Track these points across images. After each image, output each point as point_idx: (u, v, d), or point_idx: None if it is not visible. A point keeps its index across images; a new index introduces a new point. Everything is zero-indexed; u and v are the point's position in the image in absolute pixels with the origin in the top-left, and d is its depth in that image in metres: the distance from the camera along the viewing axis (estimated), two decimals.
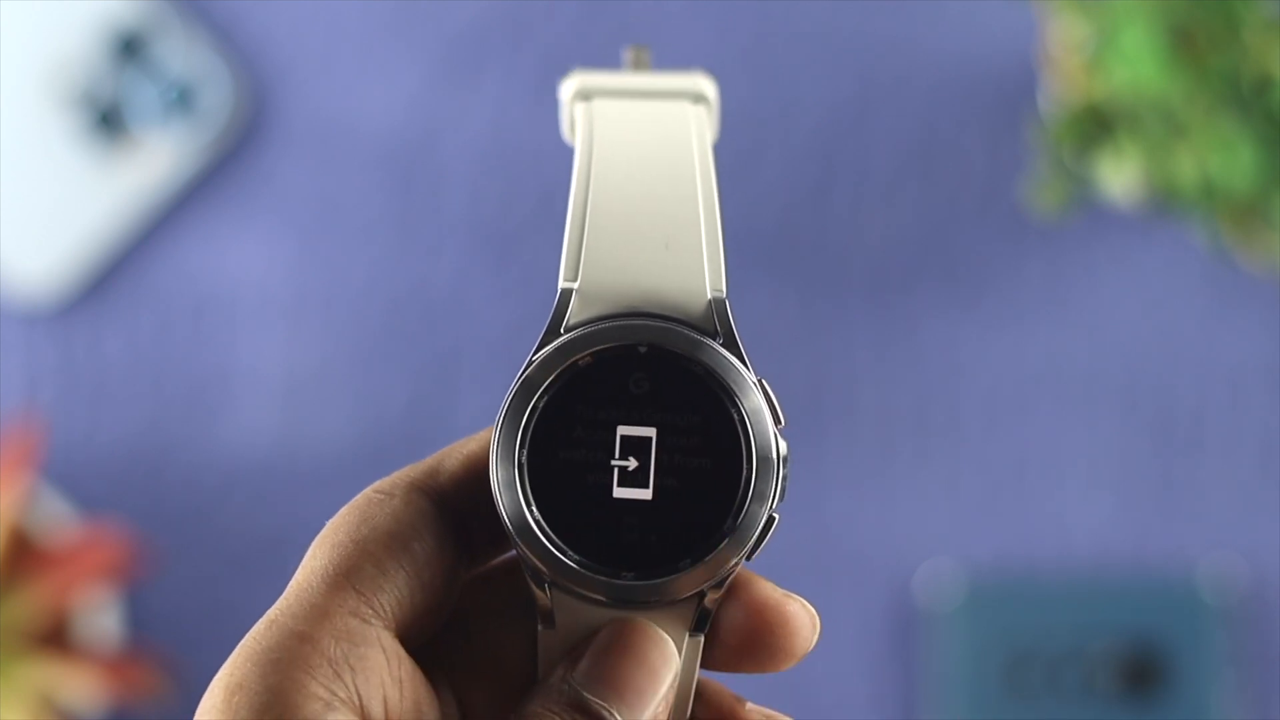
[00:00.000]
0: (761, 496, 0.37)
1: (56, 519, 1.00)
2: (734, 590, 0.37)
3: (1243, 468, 1.03)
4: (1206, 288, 1.04)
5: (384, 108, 1.06)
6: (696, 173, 0.39)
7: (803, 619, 0.38)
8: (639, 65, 0.44)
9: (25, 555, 0.96)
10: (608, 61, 1.16)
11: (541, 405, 0.37)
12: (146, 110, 1.05)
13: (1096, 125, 0.96)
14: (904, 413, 1.04)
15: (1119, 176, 0.96)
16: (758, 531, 0.37)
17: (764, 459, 0.37)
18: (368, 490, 0.38)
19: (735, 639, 0.38)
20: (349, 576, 0.36)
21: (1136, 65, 0.93)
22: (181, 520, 1.04)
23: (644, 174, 0.39)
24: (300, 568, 0.37)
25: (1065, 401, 1.04)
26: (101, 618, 1.00)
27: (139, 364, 1.05)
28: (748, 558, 0.37)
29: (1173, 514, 1.03)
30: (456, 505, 0.38)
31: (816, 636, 0.38)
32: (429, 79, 1.06)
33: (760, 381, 0.37)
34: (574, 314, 0.37)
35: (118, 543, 0.97)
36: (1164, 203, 0.97)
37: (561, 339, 0.37)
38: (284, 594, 0.37)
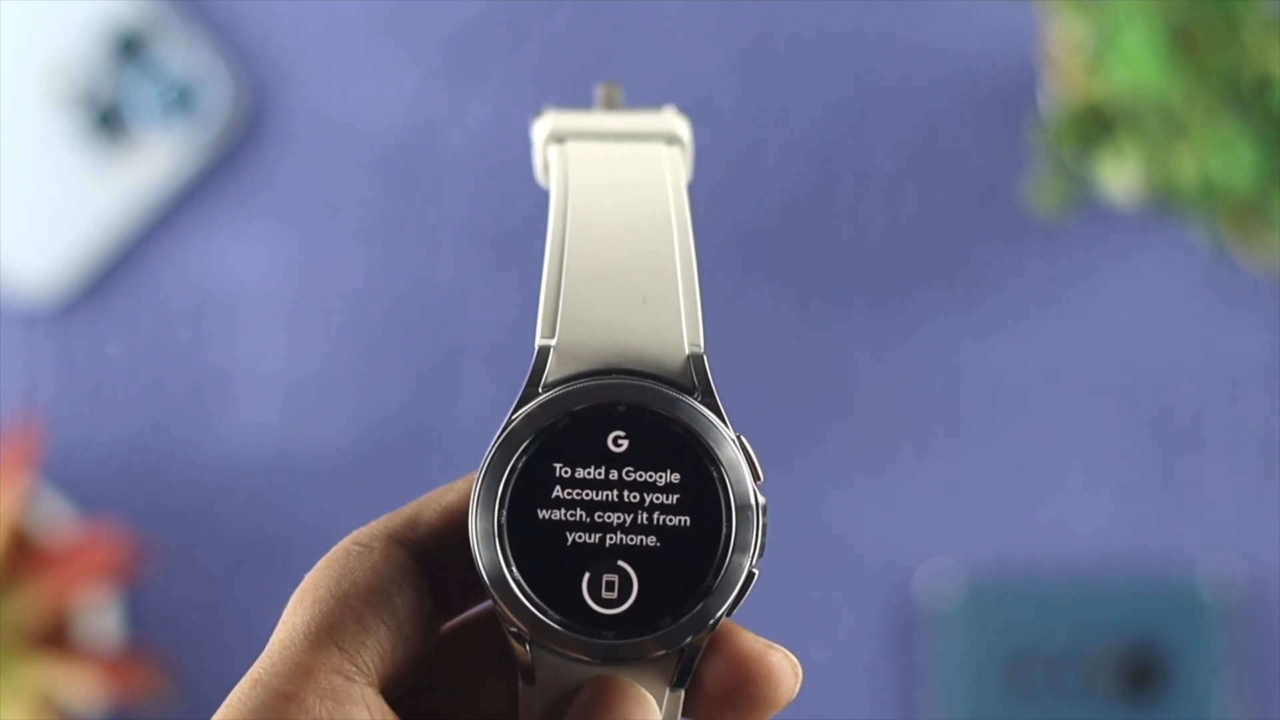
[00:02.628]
0: (742, 551, 0.37)
1: (56, 519, 1.00)
2: (715, 642, 0.38)
3: (1243, 468, 1.03)
4: (1206, 288, 1.04)
5: (384, 108, 1.06)
6: (673, 222, 0.39)
7: (785, 669, 0.38)
8: (611, 103, 0.44)
9: (25, 555, 0.96)
10: (606, 62, 1.15)
11: (521, 465, 0.37)
12: (146, 110, 1.05)
13: (1096, 125, 0.96)
14: (904, 413, 1.04)
15: (1119, 176, 0.96)
16: (738, 588, 0.37)
17: (744, 516, 0.37)
18: (345, 542, 0.38)
19: (717, 691, 0.38)
20: (331, 633, 0.36)
21: (1136, 65, 0.93)
22: (181, 520, 1.04)
23: (620, 225, 0.39)
24: (281, 624, 0.37)
25: (1065, 401, 1.04)
26: (101, 618, 1.00)
27: (139, 364, 1.05)
28: (729, 613, 0.37)
29: (1173, 514, 1.03)
30: (434, 556, 0.38)
31: (798, 685, 0.38)
32: (429, 79, 1.06)
33: (739, 438, 0.38)
34: (552, 371, 0.38)
35: (118, 543, 0.97)
36: (1164, 203, 0.97)
37: (541, 398, 0.37)
38: (265, 651, 0.37)
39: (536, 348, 0.38)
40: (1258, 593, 1.02)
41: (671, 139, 0.42)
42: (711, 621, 0.37)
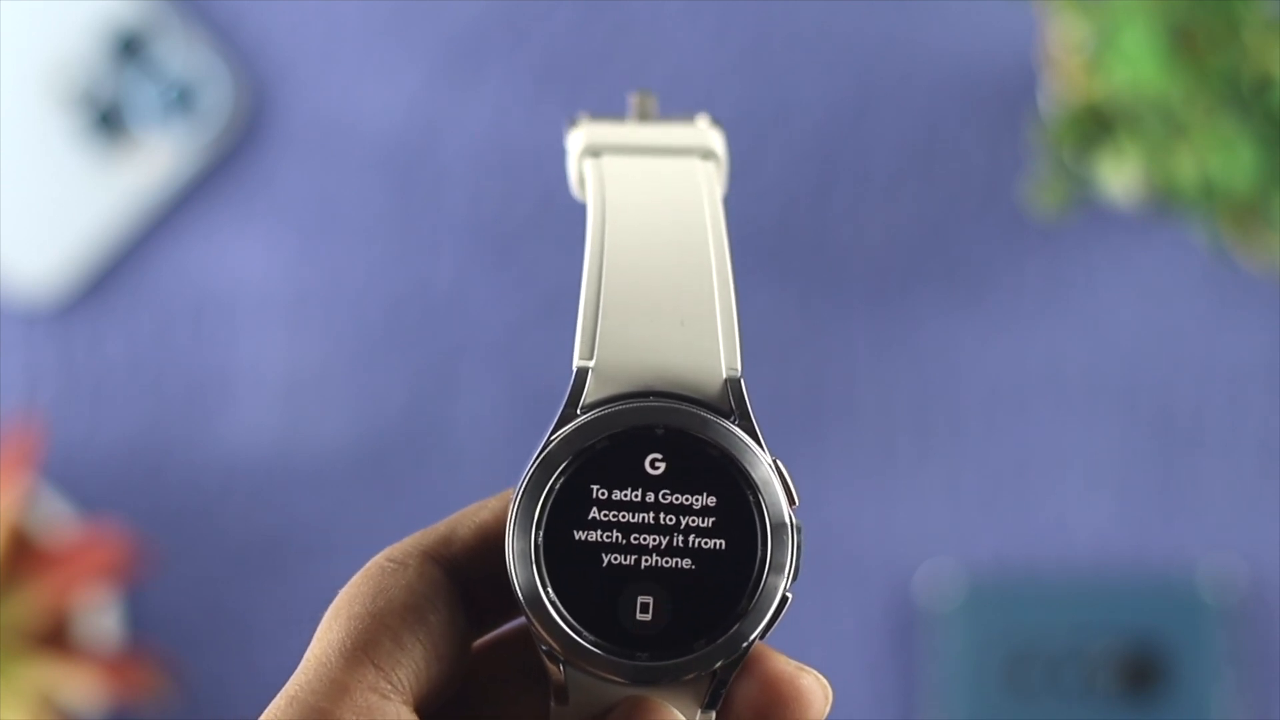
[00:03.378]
0: (776, 575, 0.37)
1: (56, 519, 1.00)
2: (747, 664, 0.38)
3: (1243, 468, 1.03)
4: (1206, 288, 1.04)
5: (384, 108, 1.06)
6: (710, 242, 0.39)
7: (815, 692, 0.37)
8: (645, 113, 0.44)
9: (25, 555, 0.96)
10: (606, 63, 1.15)
11: (558, 486, 0.37)
12: (146, 110, 1.05)
13: (1096, 125, 0.96)
14: (904, 413, 1.04)
15: (1119, 176, 0.96)
16: (771, 611, 0.37)
17: (779, 540, 0.37)
18: (379, 558, 0.38)
19: (749, 713, 0.38)
20: (367, 650, 0.36)
21: (1136, 65, 0.93)
22: (181, 520, 1.04)
23: (658, 245, 0.39)
24: (315, 640, 0.37)
25: (1065, 401, 1.04)
26: (101, 618, 1.00)
27: (139, 364, 1.05)
28: (762, 636, 0.37)
29: (1173, 514, 1.03)
30: (467, 574, 0.38)
31: (829, 707, 0.38)
32: (429, 79, 1.06)
33: (775, 461, 0.38)
34: (590, 393, 0.38)
35: (118, 543, 0.97)
36: (1164, 203, 0.97)
37: (580, 420, 0.37)
38: (300, 667, 0.37)
39: (575, 369, 0.38)
40: (1258, 593, 1.02)
41: (707, 154, 0.42)
42: (745, 644, 0.37)
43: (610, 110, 0.45)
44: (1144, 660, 1.01)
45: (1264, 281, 1.02)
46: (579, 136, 0.42)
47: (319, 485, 1.04)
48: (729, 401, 0.38)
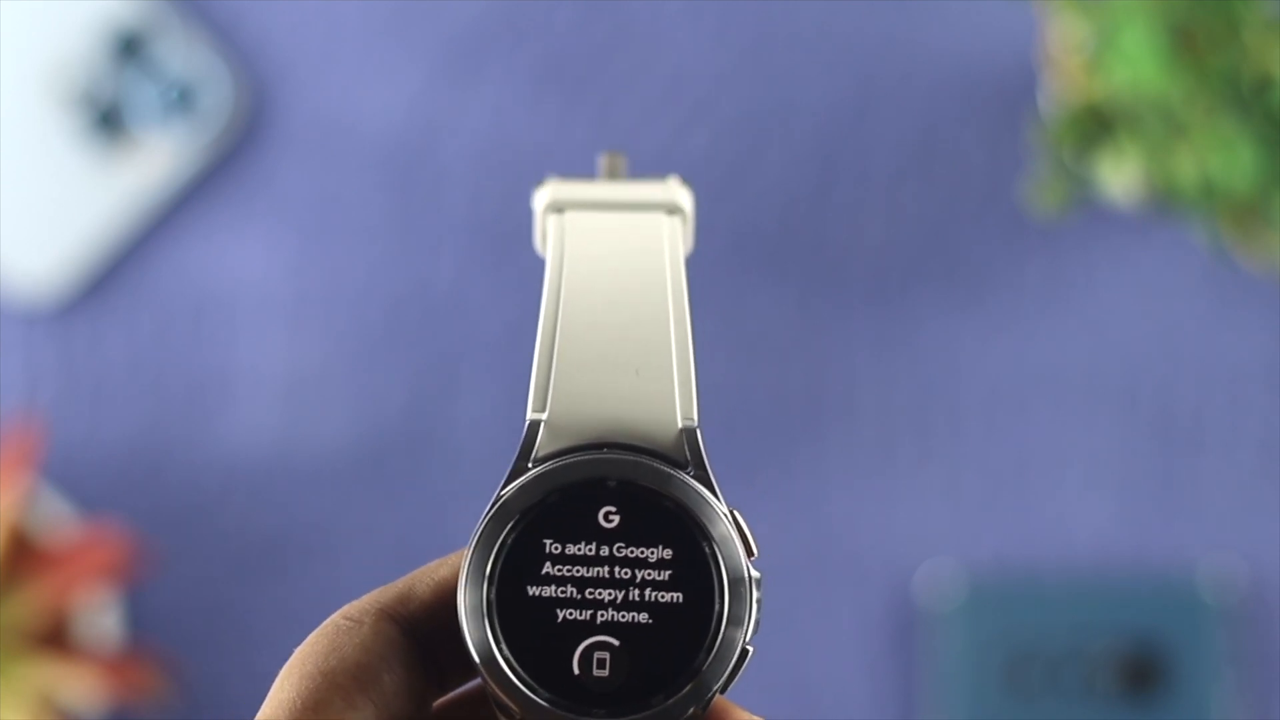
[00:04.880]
0: (735, 628, 0.37)
1: (56, 519, 1.00)
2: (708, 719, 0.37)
3: (1243, 468, 1.03)
4: (1206, 288, 1.04)
5: (384, 108, 1.06)
6: (669, 294, 0.39)
7: None
8: (614, 173, 0.43)
9: (25, 555, 0.96)
10: (606, 63, 1.15)
11: (510, 540, 0.36)
12: (146, 110, 1.05)
13: (1096, 125, 0.96)
14: (904, 413, 1.04)
15: (1119, 176, 0.96)
16: (731, 665, 0.37)
17: (736, 591, 0.37)
18: (336, 616, 0.37)
19: None
20: (317, 710, 0.36)
21: (1136, 65, 0.93)
22: (181, 520, 1.04)
23: (614, 296, 0.39)
24: (268, 700, 0.36)
25: (1065, 401, 1.04)
26: (101, 618, 1.00)
27: (139, 364, 1.05)
28: (722, 690, 0.37)
29: (1173, 514, 1.03)
30: (427, 632, 0.37)
31: None
32: (429, 79, 1.06)
33: (731, 512, 0.37)
34: (543, 445, 0.37)
35: (118, 543, 0.97)
36: (1164, 203, 0.97)
37: (531, 473, 0.37)
38: None
39: (527, 421, 0.37)
40: (1258, 593, 1.02)
41: (673, 209, 0.42)
42: (705, 699, 0.36)
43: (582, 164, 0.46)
44: (1144, 660, 1.01)
45: (1264, 281, 1.02)
46: (544, 193, 0.42)
47: (319, 485, 1.04)
48: (684, 452, 0.37)
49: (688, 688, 0.36)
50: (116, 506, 1.04)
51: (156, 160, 1.05)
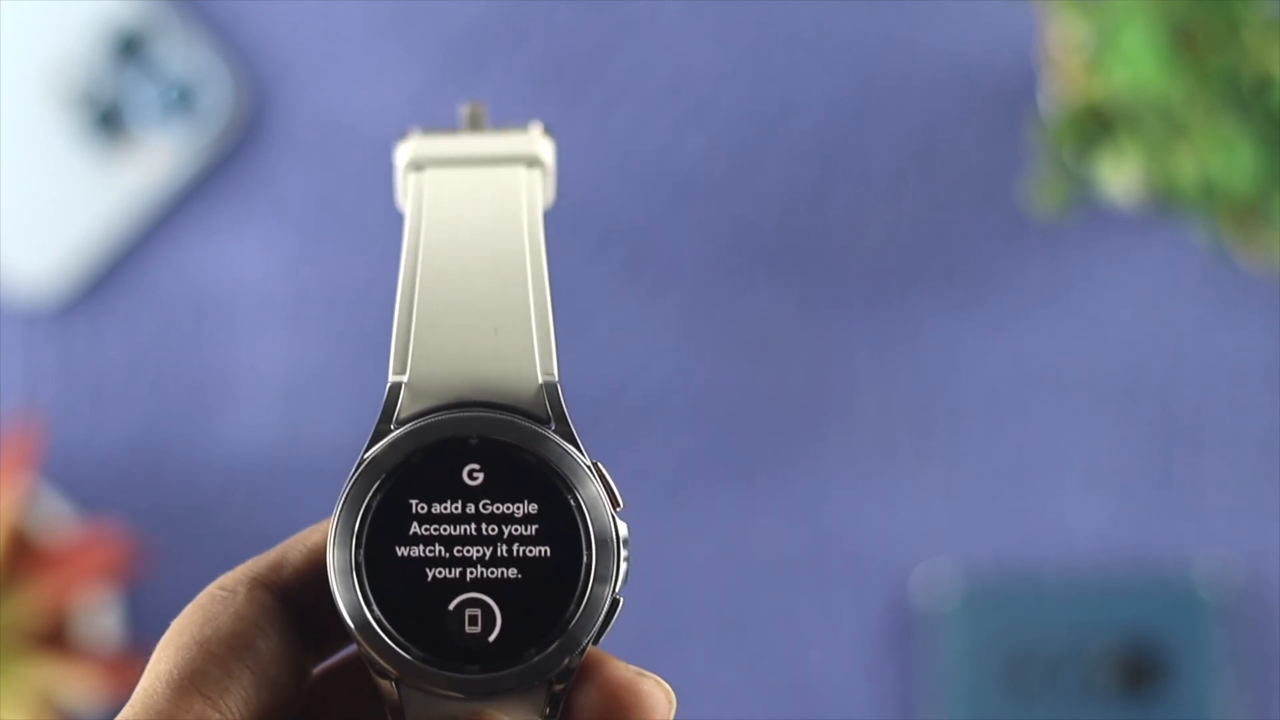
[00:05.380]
0: (603, 580, 0.37)
1: (56, 519, 1.00)
2: (586, 672, 0.37)
3: (1243, 468, 1.03)
4: (1206, 288, 1.04)
5: (384, 108, 1.06)
6: (526, 250, 0.39)
7: (657, 696, 0.37)
8: (475, 123, 0.43)
9: (25, 555, 0.96)
10: (606, 63, 1.15)
11: (376, 502, 0.37)
12: (146, 110, 1.05)
13: (1096, 125, 0.96)
14: (904, 413, 1.04)
15: (1119, 176, 0.96)
16: (602, 615, 0.37)
17: (603, 543, 0.37)
18: (210, 587, 0.38)
19: None
20: (193, 680, 0.36)
21: (1136, 65, 0.93)
22: (181, 520, 1.04)
23: (471, 256, 0.39)
24: (145, 672, 0.37)
25: (1065, 401, 1.04)
26: (101, 618, 1.00)
27: (139, 364, 1.05)
28: (594, 641, 0.37)
29: (1173, 514, 1.03)
30: (302, 599, 0.38)
31: (673, 711, 0.37)
32: (429, 79, 1.06)
33: (595, 464, 0.37)
34: (404, 407, 0.37)
35: (118, 543, 0.97)
36: (1164, 203, 0.97)
37: (393, 435, 0.37)
38: (130, 702, 0.36)
39: (389, 384, 0.38)
40: (1257, 592, 1.02)
41: (532, 161, 0.41)
42: (577, 651, 0.37)
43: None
44: (1143, 659, 1.01)
45: (1264, 281, 1.02)
46: (405, 149, 0.42)
47: (319, 485, 1.04)
48: (545, 407, 0.37)
49: (559, 640, 0.36)
50: (116, 506, 1.04)
51: (156, 160, 1.05)
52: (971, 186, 1.05)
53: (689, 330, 1.04)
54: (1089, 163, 0.97)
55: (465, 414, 0.37)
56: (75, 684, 0.96)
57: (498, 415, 0.37)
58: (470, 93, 1.06)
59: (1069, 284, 1.04)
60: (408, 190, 0.42)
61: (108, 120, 1.05)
